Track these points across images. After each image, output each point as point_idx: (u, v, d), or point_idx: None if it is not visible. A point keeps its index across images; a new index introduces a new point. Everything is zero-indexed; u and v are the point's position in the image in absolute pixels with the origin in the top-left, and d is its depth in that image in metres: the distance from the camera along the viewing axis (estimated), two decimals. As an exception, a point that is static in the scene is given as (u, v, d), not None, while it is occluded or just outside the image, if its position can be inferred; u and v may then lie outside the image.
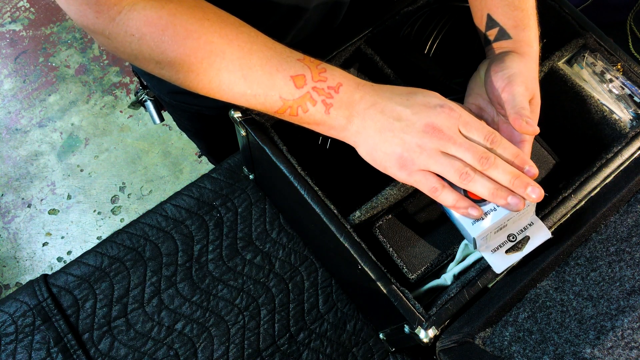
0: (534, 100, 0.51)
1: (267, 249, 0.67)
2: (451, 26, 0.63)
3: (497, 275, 0.49)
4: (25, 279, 1.50)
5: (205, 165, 1.64)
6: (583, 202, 0.52)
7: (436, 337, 0.47)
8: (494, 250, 0.49)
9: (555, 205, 0.52)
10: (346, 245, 0.49)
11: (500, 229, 0.49)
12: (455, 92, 0.58)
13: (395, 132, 0.46)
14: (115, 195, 1.59)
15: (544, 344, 0.43)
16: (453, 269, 0.52)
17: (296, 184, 0.52)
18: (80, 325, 0.63)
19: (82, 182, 1.61)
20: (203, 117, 0.75)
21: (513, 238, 0.49)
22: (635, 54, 0.94)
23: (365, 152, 0.48)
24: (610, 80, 0.58)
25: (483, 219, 0.47)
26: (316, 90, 0.47)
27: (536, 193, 0.44)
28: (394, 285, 0.48)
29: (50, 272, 0.66)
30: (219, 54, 0.45)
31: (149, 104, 0.80)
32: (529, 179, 0.45)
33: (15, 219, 1.56)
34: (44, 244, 1.53)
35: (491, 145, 0.46)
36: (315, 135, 0.59)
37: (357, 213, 0.51)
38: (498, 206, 0.47)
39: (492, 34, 0.54)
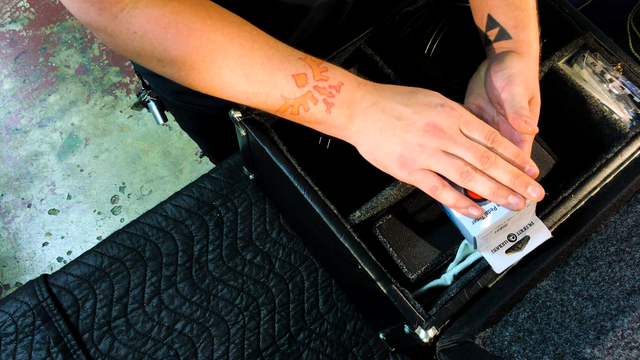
0: (533, 100, 0.51)
1: (267, 249, 0.67)
2: (451, 26, 0.63)
3: (497, 275, 0.49)
4: (25, 279, 1.50)
5: (205, 165, 1.64)
6: (583, 202, 0.52)
7: (436, 337, 0.47)
8: (494, 250, 0.49)
9: (555, 205, 0.52)
10: (346, 245, 0.49)
11: (501, 228, 0.49)
12: (455, 92, 0.58)
13: (396, 131, 0.46)
14: (115, 195, 1.59)
15: (544, 344, 0.43)
16: (453, 269, 0.52)
17: (296, 184, 0.52)
18: (80, 325, 0.63)
19: (82, 182, 1.61)
20: (206, 117, 0.76)
21: (513, 238, 0.49)
22: (635, 54, 0.94)
23: (366, 151, 0.48)
24: (610, 80, 0.58)
25: (483, 218, 0.47)
26: (317, 89, 0.47)
27: (537, 192, 0.44)
28: (394, 285, 0.48)
29: (50, 272, 0.66)
30: (221, 52, 0.45)
31: (152, 105, 0.80)
32: (529, 179, 0.45)
33: (15, 219, 1.56)
34: (44, 244, 1.53)
35: (492, 144, 0.46)
36: (315, 135, 0.60)
37: (357, 213, 0.51)
38: (498, 206, 0.47)
39: (492, 34, 0.54)
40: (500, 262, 0.48)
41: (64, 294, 0.64)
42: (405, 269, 0.53)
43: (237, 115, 0.55)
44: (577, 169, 0.54)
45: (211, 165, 1.58)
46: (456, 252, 0.53)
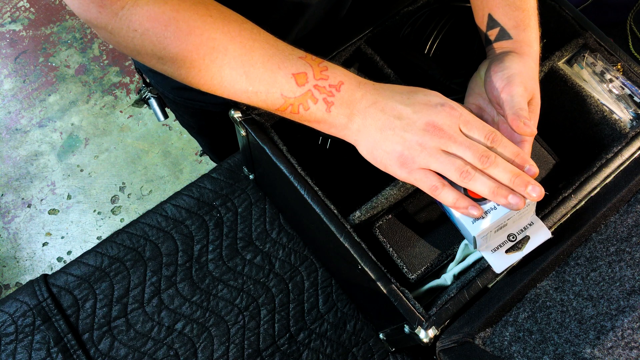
0: (533, 101, 0.51)
1: (267, 249, 0.67)
2: (451, 26, 0.63)
3: (497, 275, 0.49)
4: (25, 279, 1.50)
5: (205, 165, 1.64)
6: (583, 202, 0.52)
7: (436, 337, 0.47)
8: (494, 250, 0.49)
9: (555, 205, 0.52)
10: (346, 245, 0.49)
11: (500, 228, 0.49)
12: (455, 92, 0.58)
13: (396, 130, 0.46)
14: (115, 195, 1.59)
15: (544, 344, 0.43)
16: (453, 269, 0.52)
17: (296, 184, 0.52)
18: (80, 325, 0.63)
19: (82, 182, 1.61)
20: (207, 114, 0.76)
21: (513, 238, 0.49)
22: (635, 54, 0.94)
23: (366, 151, 0.48)
24: (610, 80, 0.58)
25: (483, 217, 0.47)
26: (317, 89, 0.47)
27: (537, 192, 0.44)
28: (394, 285, 0.48)
29: (50, 272, 0.66)
30: (221, 50, 0.45)
31: (153, 102, 0.80)
32: (529, 178, 0.45)
33: (15, 219, 1.56)
34: (44, 244, 1.53)
35: (492, 144, 0.46)
36: (315, 135, 0.60)
37: (357, 213, 0.51)
38: (498, 205, 0.47)
39: (492, 33, 0.54)
40: (500, 262, 0.48)
41: (64, 294, 0.64)
42: (405, 269, 0.53)
43: (237, 115, 0.55)
44: (577, 169, 0.54)
45: (211, 165, 1.58)
46: (456, 252, 0.53)
